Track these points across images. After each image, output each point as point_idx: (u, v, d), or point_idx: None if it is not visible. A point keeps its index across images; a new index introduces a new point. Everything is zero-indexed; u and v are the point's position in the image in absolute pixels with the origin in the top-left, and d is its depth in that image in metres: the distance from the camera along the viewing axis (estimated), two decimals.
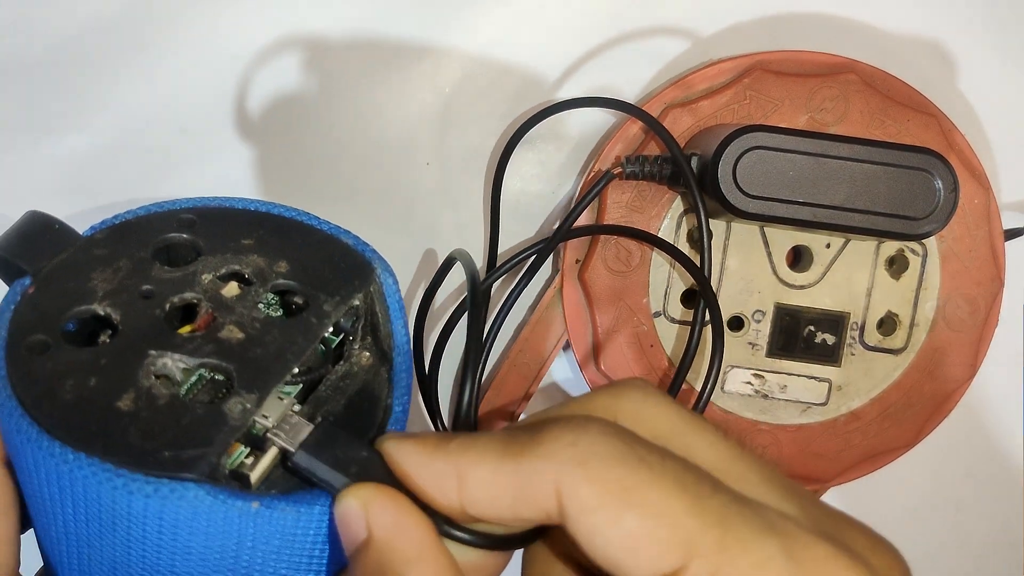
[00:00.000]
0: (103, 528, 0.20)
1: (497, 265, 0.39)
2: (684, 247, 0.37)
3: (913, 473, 0.43)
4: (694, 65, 0.39)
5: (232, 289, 0.24)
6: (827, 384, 0.38)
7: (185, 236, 0.25)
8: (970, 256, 0.38)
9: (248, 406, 0.21)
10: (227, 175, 0.40)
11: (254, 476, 0.21)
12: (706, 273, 0.36)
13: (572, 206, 0.37)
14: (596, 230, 0.37)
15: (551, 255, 0.39)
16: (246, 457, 0.21)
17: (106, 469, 0.19)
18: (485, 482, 0.20)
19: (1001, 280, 0.38)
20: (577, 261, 0.38)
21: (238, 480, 0.21)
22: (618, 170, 0.36)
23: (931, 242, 0.37)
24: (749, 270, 0.37)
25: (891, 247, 0.37)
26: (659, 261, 0.37)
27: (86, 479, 0.19)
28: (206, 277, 0.24)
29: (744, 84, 0.37)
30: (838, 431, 0.38)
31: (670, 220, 0.37)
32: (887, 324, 0.38)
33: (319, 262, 0.25)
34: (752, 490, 0.20)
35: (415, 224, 0.41)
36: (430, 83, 0.40)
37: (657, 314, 0.37)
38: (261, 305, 0.23)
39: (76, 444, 0.20)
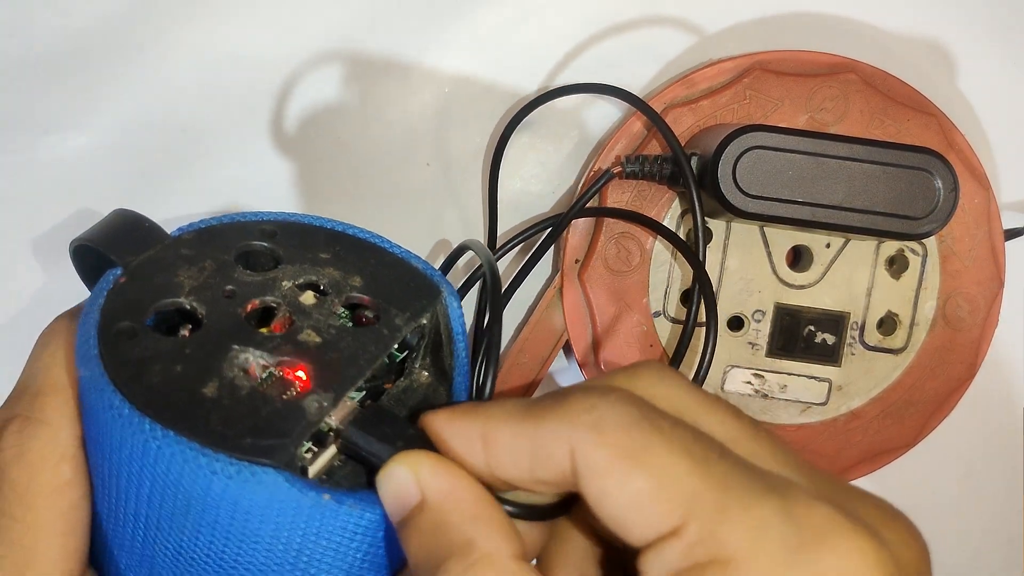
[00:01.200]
0: (176, 510, 0.21)
1: (498, 246, 0.39)
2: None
3: (913, 473, 0.43)
4: (694, 65, 0.39)
5: (309, 298, 0.25)
6: (827, 384, 0.38)
7: (266, 244, 0.26)
8: (970, 256, 0.38)
9: (325, 404, 0.22)
10: (227, 175, 0.40)
11: (312, 469, 0.22)
12: (700, 258, 0.36)
13: (573, 204, 0.37)
14: (603, 212, 0.37)
15: (551, 247, 0.38)
16: (307, 452, 0.22)
17: (192, 448, 0.20)
18: (507, 443, 0.20)
19: (1001, 280, 0.38)
20: (577, 261, 0.38)
21: (301, 472, 0.22)
22: (618, 169, 0.36)
23: (931, 242, 0.37)
24: (749, 270, 0.37)
25: (891, 247, 0.37)
26: (659, 261, 0.37)
27: (172, 456, 0.20)
28: (285, 284, 0.25)
29: (744, 84, 0.37)
30: (838, 431, 0.38)
31: (670, 220, 0.37)
32: (887, 324, 0.38)
33: (391, 280, 0.26)
34: (762, 462, 0.21)
35: (415, 224, 0.41)
36: (430, 83, 0.40)
37: (657, 314, 0.37)
38: (335, 315, 0.25)
39: (165, 422, 0.20)
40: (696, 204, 0.35)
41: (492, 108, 0.40)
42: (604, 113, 0.40)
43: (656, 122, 0.36)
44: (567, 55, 0.40)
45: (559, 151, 0.41)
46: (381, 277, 0.26)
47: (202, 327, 0.23)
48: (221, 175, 0.40)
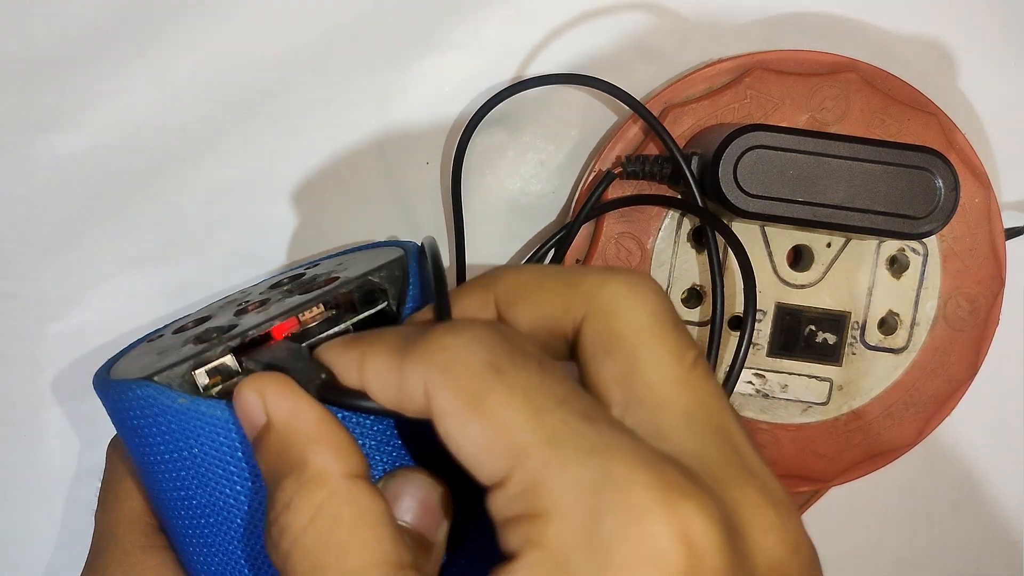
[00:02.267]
0: (122, 436, 0.26)
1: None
2: (685, 247, 0.37)
3: (914, 473, 0.43)
4: (694, 65, 0.39)
5: (288, 290, 0.30)
6: (828, 383, 0.38)
7: (292, 273, 0.33)
8: (971, 255, 0.38)
9: (226, 340, 0.26)
10: (228, 174, 0.40)
11: (200, 382, 0.25)
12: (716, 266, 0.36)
13: (573, 206, 0.37)
14: (636, 201, 0.37)
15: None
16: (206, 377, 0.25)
17: (103, 380, 0.27)
18: (377, 372, 0.21)
19: (1002, 279, 0.38)
20: (578, 261, 0.38)
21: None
22: (618, 170, 0.36)
23: (932, 241, 0.37)
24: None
25: (892, 246, 0.37)
26: (660, 260, 0.37)
27: (97, 390, 0.27)
28: (286, 287, 0.30)
29: (744, 83, 0.37)
30: (839, 431, 0.38)
31: (670, 219, 0.37)
32: (888, 323, 0.38)
33: (370, 261, 0.29)
34: (662, 417, 0.20)
35: (415, 224, 0.41)
36: (429, 83, 0.40)
37: None
38: (299, 295, 0.28)
39: (113, 373, 0.27)
40: (702, 210, 0.35)
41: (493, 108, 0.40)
42: (605, 113, 0.40)
43: (635, 107, 0.35)
44: (567, 55, 0.40)
45: (559, 151, 0.41)
46: (364, 262, 0.29)
47: (203, 322, 0.29)
48: (221, 175, 0.40)
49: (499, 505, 0.19)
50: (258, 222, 0.40)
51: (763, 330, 0.38)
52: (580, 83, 0.39)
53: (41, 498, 0.41)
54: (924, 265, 0.38)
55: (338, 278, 0.28)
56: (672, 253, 0.37)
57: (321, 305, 0.27)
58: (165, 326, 0.32)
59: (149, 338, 0.31)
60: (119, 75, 0.38)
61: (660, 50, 0.40)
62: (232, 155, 0.40)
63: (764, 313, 0.38)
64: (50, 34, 0.38)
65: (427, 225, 0.41)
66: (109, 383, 0.26)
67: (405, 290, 0.28)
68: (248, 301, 0.30)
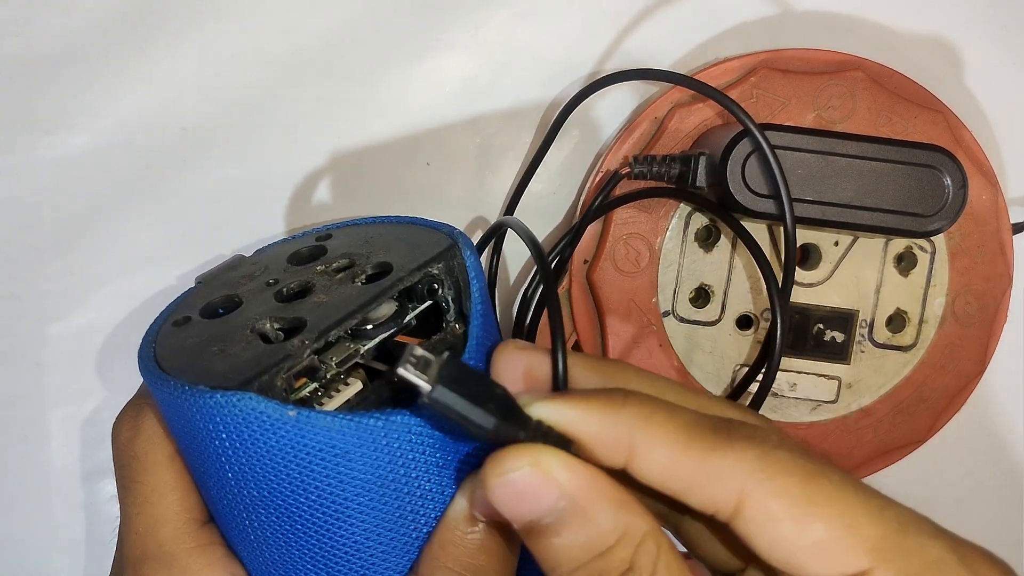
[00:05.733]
0: (192, 442, 0.24)
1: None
2: (692, 246, 0.37)
3: (924, 469, 0.43)
4: (701, 64, 0.39)
5: (336, 275, 0.28)
6: (837, 382, 0.38)
7: (313, 245, 0.31)
8: (979, 252, 0.38)
9: (307, 341, 0.24)
10: (228, 174, 0.39)
11: (332, 404, 0.24)
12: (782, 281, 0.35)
13: (580, 207, 0.37)
14: (648, 193, 0.36)
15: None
16: (315, 392, 0.24)
17: (181, 384, 0.23)
18: (662, 463, 0.21)
19: (1010, 276, 0.38)
20: (585, 261, 0.38)
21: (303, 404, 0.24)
22: (626, 170, 0.36)
23: (939, 239, 0.38)
24: (758, 269, 0.37)
25: (900, 244, 0.37)
26: (668, 260, 0.37)
27: (170, 394, 0.23)
28: (320, 268, 0.29)
29: (751, 83, 0.37)
30: (849, 428, 0.38)
31: (678, 219, 0.37)
32: (896, 321, 0.38)
33: (412, 245, 0.28)
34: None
35: None
36: (430, 83, 0.40)
37: (666, 314, 0.37)
38: (359, 283, 0.27)
39: (175, 373, 0.24)
40: (731, 221, 0.35)
41: (492, 108, 0.40)
42: (606, 112, 0.40)
43: (720, 99, 0.34)
44: (569, 55, 0.40)
45: (561, 150, 0.41)
46: (405, 245, 0.29)
47: (238, 308, 0.28)
48: (221, 175, 0.39)
49: None
50: (258, 222, 0.40)
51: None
52: (662, 79, 0.38)
53: (42, 499, 0.40)
54: (932, 262, 0.38)
55: (389, 265, 0.27)
56: (680, 253, 0.37)
57: (394, 302, 0.26)
58: (180, 303, 0.29)
59: (175, 321, 0.28)
60: (120, 76, 0.38)
61: (666, 50, 0.40)
62: (232, 155, 0.39)
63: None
64: (51, 35, 0.37)
65: None
66: (191, 390, 0.23)
67: (463, 283, 0.27)
68: (277, 280, 0.29)
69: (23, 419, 0.40)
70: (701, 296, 0.38)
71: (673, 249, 0.37)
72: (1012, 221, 0.38)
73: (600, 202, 0.36)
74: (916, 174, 0.33)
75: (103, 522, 0.41)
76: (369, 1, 0.39)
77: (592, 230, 0.38)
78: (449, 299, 0.28)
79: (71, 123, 0.38)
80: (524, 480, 0.20)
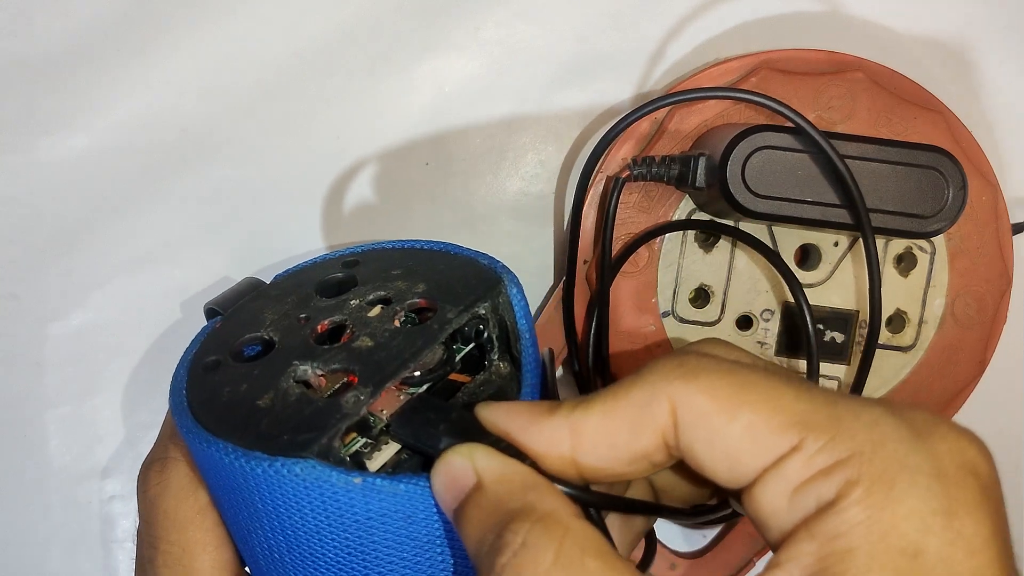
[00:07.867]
0: (250, 511, 0.23)
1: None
2: (692, 246, 0.37)
3: None
4: (700, 65, 0.39)
5: (375, 311, 0.27)
6: (836, 382, 0.38)
7: (341, 274, 0.29)
8: (978, 253, 0.38)
9: (362, 397, 0.23)
10: (228, 175, 0.39)
11: (372, 464, 0.23)
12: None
13: (584, 209, 0.37)
14: (687, 225, 0.37)
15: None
16: (364, 447, 0.23)
17: (235, 449, 0.22)
18: (600, 425, 0.21)
19: (1009, 277, 0.38)
20: (585, 262, 0.38)
21: (357, 466, 0.23)
22: (625, 172, 0.36)
23: (939, 240, 0.37)
24: (757, 269, 0.37)
25: (899, 245, 0.37)
26: (668, 261, 0.37)
27: (222, 458, 0.22)
28: (354, 303, 0.27)
29: (751, 83, 0.37)
30: None
31: (677, 219, 0.37)
32: (896, 322, 0.38)
33: (453, 280, 0.27)
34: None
35: (414, 224, 0.41)
36: (430, 83, 0.40)
37: (666, 314, 0.37)
38: (398, 321, 0.26)
39: (218, 432, 0.23)
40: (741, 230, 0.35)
41: (491, 108, 0.40)
42: (606, 112, 0.40)
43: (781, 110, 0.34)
44: (570, 55, 0.40)
45: (559, 151, 0.41)
46: (444, 279, 0.28)
47: (273, 350, 0.26)
48: (221, 175, 0.39)
49: (792, 471, 0.20)
50: (258, 223, 0.40)
51: (771, 329, 0.38)
52: (749, 101, 0.35)
53: (41, 498, 0.40)
54: (931, 263, 0.38)
55: (430, 301, 0.26)
56: (680, 253, 0.37)
57: (441, 346, 0.26)
58: (205, 341, 0.28)
59: (204, 365, 0.26)
60: (120, 76, 0.38)
61: (666, 50, 0.40)
62: (232, 156, 0.39)
63: (772, 312, 0.38)
64: (51, 35, 0.37)
65: (427, 225, 0.41)
66: (245, 456, 0.22)
67: (509, 323, 0.26)
68: (309, 318, 0.27)
69: (23, 419, 0.40)
70: (701, 296, 0.38)
71: (673, 249, 0.37)
72: (1012, 222, 0.38)
73: (612, 208, 0.36)
74: (916, 175, 0.33)
75: (102, 522, 0.41)
76: (369, 2, 0.39)
77: (592, 230, 0.38)
78: (494, 338, 0.27)
79: (71, 123, 0.38)
80: (451, 469, 0.22)
